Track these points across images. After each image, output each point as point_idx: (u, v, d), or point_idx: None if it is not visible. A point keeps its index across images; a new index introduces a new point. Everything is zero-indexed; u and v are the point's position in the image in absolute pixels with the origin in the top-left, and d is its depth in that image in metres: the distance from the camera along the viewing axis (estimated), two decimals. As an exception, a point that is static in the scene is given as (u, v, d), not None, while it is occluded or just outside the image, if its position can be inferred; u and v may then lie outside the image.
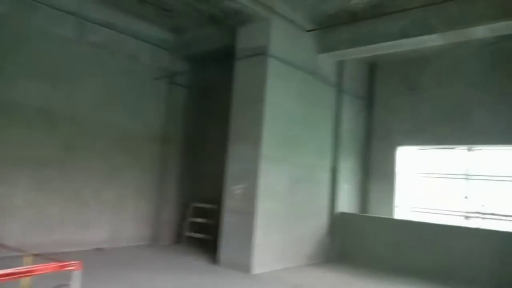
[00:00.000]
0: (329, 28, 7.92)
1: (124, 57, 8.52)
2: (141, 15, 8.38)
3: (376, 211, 9.29)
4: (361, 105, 9.56)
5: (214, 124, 9.15)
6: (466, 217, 8.28)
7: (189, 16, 8.22)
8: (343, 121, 8.89)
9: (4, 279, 2.72)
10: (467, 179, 8.48)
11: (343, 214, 8.72)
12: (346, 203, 9.00)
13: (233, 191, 7.17)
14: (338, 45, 8.07)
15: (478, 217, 8.18)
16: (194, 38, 9.05)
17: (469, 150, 8.47)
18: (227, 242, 7.09)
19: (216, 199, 7.93)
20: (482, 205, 8.15)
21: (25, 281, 3.90)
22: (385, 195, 9.31)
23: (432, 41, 7.18)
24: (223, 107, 7.85)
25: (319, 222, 8.40)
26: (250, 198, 6.89)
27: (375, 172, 9.55)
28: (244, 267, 6.71)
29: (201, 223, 8.99)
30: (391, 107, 9.42)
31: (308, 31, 7.81)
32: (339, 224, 8.66)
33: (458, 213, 8.47)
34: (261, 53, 7.10)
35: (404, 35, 7.12)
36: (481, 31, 6.64)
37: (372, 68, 9.87)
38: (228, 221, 7.14)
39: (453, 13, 6.58)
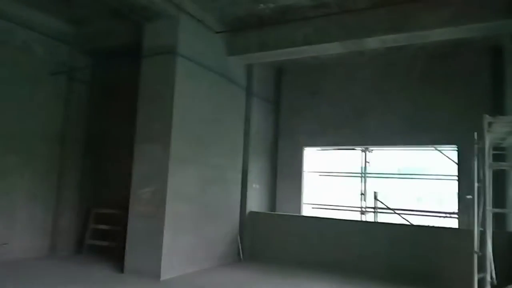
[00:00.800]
0: (239, 31, 8.05)
1: (14, 49, 7.64)
2: (34, 2, 7.59)
3: (285, 209, 9.67)
4: (270, 108, 9.88)
5: (119, 123, 8.66)
6: (363, 212, 9.06)
7: (90, 7, 7.67)
8: (253, 123, 9.09)
9: None
10: (363, 177, 9.28)
11: (253, 213, 8.91)
12: (257, 202, 9.22)
13: (140, 194, 6.86)
14: (247, 49, 8.23)
15: (373, 211, 9.01)
16: (97, 32, 8.48)
17: (364, 150, 9.28)
18: (134, 249, 6.76)
19: (122, 204, 7.51)
20: (376, 200, 8.97)
21: None
22: (293, 193, 9.75)
23: (332, 49, 7.71)
24: (129, 106, 7.49)
25: (231, 223, 8.47)
26: (158, 201, 6.66)
27: (284, 171, 9.94)
28: (152, 273, 6.46)
29: (105, 230, 8.44)
30: (297, 110, 9.90)
31: (218, 32, 7.83)
32: (250, 224, 8.82)
33: (356, 209, 9.23)
34: (170, 51, 6.92)
35: (308, 42, 7.53)
36: (373, 42, 7.31)
37: (279, 72, 10.28)
38: (135, 226, 6.81)
39: (350, 24, 7.15)
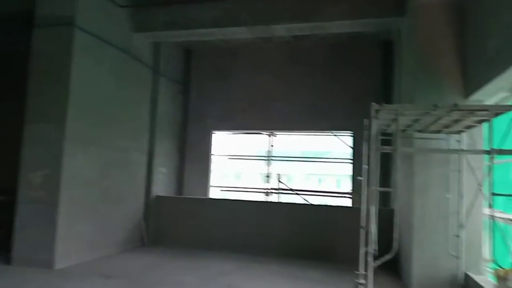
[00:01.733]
0: (145, 7, 7.67)
1: None
2: None
3: (192, 193, 9.62)
4: (178, 89, 9.66)
5: (6, 100, 7.72)
6: (267, 194, 9.42)
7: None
8: (160, 103, 8.80)
9: None
10: (268, 160, 9.62)
11: (159, 197, 8.70)
12: (163, 186, 9.02)
13: (31, 178, 6.24)
14: (153, 26, 7.89)
15: (276, 192, 9.43)
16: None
17: (270, 135, 9.61)
18: (23, 238, 6.16)
19: (9, 189, 6.77)
20: (280, 182, 9.40)
21: None
22: (201, 177, 9.73)
23: (241, 33, 7.78)
24: (18, 81, 6.71)
25: (135, 207, 8.18)
26: (52, 185, 6.13)
27: (192, 155, 9.84)
28: (45, 263, 5.98)
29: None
30: (206, 93, 9.82)
31: (122, 6, 7.37)
32: (155, 208, 8.61)
33: (261, 190, 9.56)
34: (67, 23, 6.33)
35: (216, 24, 7.48)
36: (280, 30, 7.54)
37: (189, 53, 10.06)
38: (25, 214, 6.20)
39: (259, 10, 7.26)
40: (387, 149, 4.43)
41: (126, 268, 6.38)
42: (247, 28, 7.49)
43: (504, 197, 5.30)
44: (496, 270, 3.39)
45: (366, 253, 4.36)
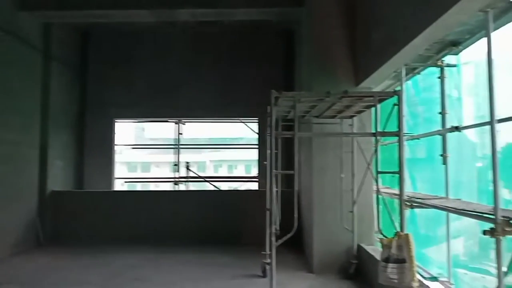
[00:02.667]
0: (30, -18, 6.90)
1: None
2: None
3: (95, 186, 9.06)
4: (74, 75, 8.93)
5: None
6: (176, 183, 9.29)
7: None
8: (53, 91, 8.04)
9: None
10: (176, 148, 9.46)
11: (56, 192, 8.03)
12: (60, 180, 8.33)
13: None
14: (43, 4, 7.14)
15: (186, 181, 9.35)
16: None
17: (178, 122, 9.44)
18: None
19: None
20: (188, 170, 9.33)
21: None
22: (104, 169, 9.20)
23: (143, 16, 7.43)
24: None
25: (27, 205, 7.45)
26: None
27: (93, 146, 9.23)
28: None
29: None
30: (107, 80, 9.24)
31: (2, -20, 6.53)
32: (52, 204, 7.93)
33: (170, 179, 9.39)
34: None
35: (115, 5, 7.05)
36: (184, 14, 7.37)
37: (87, 37, 9.33)
38: None
39: (162, -7, 7.01)
40: (287, 134, 4.65)
41: (19, 272, 5.81)
42: (150, 12, 7.18)
43: (389, 175, 5.98)
44: (381, 239, 3.81)
45: (271, 233, 4.55)
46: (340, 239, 5.57)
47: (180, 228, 7.80)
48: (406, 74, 5.78)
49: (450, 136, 4.86)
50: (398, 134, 3.76)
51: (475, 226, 5.23)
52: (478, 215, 3.31)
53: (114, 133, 9.30)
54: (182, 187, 9.31)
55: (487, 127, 3.27)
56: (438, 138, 5.01)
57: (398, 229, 3.74)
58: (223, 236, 7.61)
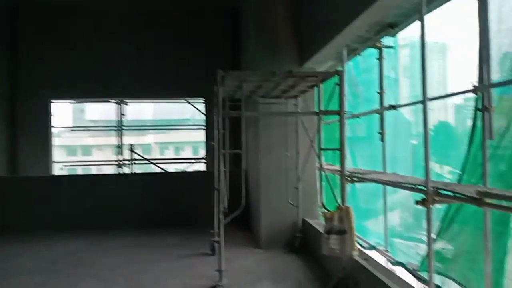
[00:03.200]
0: None
1: None
2: None
3: (31, 171, 8.52)
4: (3, 54, 8.21)
5: None
6: (119, 165, 9.00)
7: None
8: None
9: None
10: (119, 130, 9.13)
11: (-14, 179, 7.46)
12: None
13: None
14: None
15: (129, 163, 9.08)
16: None
17: (119, 103, 9.08)
18: None
19: None
20: (132, 152, 9.06)
21: None
22: (40, 153, 8.67)
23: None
24: None
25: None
26: None
27: (26, 129, 8.63)
28: None
29: None
30: (40, 58, 8.61)
31: None
32: (-18, 192, 7.37)
33: (113, 162, 9.08)
34: None
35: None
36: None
37: (15, 13, 8.56)
38: None
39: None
40: (233, 113, 4.68)
41: None
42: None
43: (332, 152, 6.23)
44: (324, 213, 4.00)
45: (219, 212, 4.61)
46: (286, 214, 5.77)
47: (127, 212, 7.60)
48: (347, 55, 6.00)
49: (387, 115, 5.15)
50: (339, 112, 3.92)
51: (409, 199, 5.64)
52: (411, 187, 3.58)
53: (50, 115, 8.75)
54: (126, 170, 9.05)
55: (421, 106, 3.51)
56: (377, 117, 5.29)
57: (340, 203, 3.94)
58: (172, 218, 7.54)
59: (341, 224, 3.77)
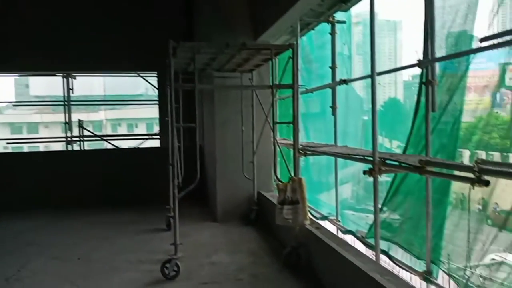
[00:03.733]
0: None
1: None
2: None
3: (-33, 149, 7.95)
4: None
5: None
6: (68, 142, 8.61)
7: None
8: None
9: None
10: (66, 105, 8.68)
11: None
12: None
13: None
14: None
15: (79, 140, 8.71)
16: None
17: (66, 77, 8.60)
18: None
19: None
20: (82, 128, 8.69)
21: None
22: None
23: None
24: None
25: None
26: None
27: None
28: None
29: None
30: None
31: None
32: None
33: (61, 139, 8.66)
34: None
35: None
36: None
37: None
38: None
39: None
40: (187, 86, 4.60)
41: None
42: None
43: (286, 127, 6.33)
44: (277, 184, 4.09)
45: (174, 186, 4.57)
46: (241, 188, 5.84)
47: (80, 190, 7.29)
48: (301, 29, 6.03)
49: (340, 90, 5.28)
50: (292, 86, 3.96)
51: (360, 172, 5.88)
52: (360, 158, 3.74)
53: (-11, 89, 8.13)
54: (76, 147, 8.67)
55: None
56: (330, 92, 5.41)
57: (292, 175, 4.04)
58: (127, 196, 7.36)
59: (293, 195, 3.87)
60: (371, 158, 3.44)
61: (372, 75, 3.52)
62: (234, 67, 5.15)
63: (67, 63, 8.31)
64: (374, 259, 3.52)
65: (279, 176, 4.63)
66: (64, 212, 6.69)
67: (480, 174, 2.33)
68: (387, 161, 3.36)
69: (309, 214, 3.89)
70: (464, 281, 3.33)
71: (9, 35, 7.97)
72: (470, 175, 2.39)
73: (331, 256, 3.38)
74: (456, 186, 3.52)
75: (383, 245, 4.52)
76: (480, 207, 3.50)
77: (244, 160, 5.71)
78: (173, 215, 5.62)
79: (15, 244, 5.03)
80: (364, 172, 3.45)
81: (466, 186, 3.01)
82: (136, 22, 8.48)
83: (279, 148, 4.96)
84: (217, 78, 5.58)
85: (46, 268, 4.19)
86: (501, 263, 3.08)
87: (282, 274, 3.86)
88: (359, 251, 3.42)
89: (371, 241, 4.49)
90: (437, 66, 3.42)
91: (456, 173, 2.72)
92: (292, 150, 4.41)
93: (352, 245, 3.74)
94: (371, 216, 5.61)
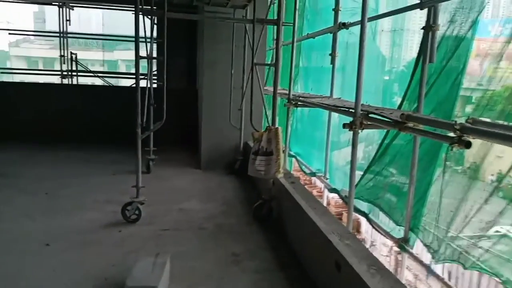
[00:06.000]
0: None
1: None
2: None
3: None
4: None
5: None
6: (63, 76, 8.32)
7: None
8: None
9: None
10: (62, 37, 8.30)
11: None
12: None
13: None
14: None
15: (73, 75, 8.41)
16: None
17: (62, 6, 8.14)
18: None
19: None
20: (77, 63, 8.36)
21: None
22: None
23: None
24: None
25: None
26: None
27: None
28: None
29: None
30: None
31: None
32: None
33: (56, 73, 8.38)
34: None
35: None
36: None
37: None
38: None
39: None
40: (154, 13, 4.15)
41: None
42: None
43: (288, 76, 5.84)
44: (253, 133, 3.76)
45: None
46: (229, 137, 5.53)
47: (67, 125, 7.13)
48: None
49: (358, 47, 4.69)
50: (277, 22, 3.49)
51: (374, 133, 5.38)
52: (343, 110, 3.34)
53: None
54: (69, 80, 8.37)
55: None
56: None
57: (270, 124, 3.69)
58: (116, 134, 7.12)
59: (269, 145, 3.54)
60: (352, 111, 3.05)
61: (362, 21, 3.02)
62: (225, 1, 4.64)
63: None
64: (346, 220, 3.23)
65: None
66: (49, 146, 6.53)
67: (462, 134, 1.93)
68: (370, 115, 2.96)
69: (282, 166, 3.55)
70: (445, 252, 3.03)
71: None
72: (452, 134, 2.00)
73: (296, 212, 3.10)
74: (471, 155, 3.10)
75: (365, 207, 4.23)
76: (494, 178, 3.11)
77: (232, 107, 5.35)
78: (153, 158, 5.45)
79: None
80: (344, 126, 3.07)
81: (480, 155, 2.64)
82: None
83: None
84: (207, 13, 5.07)
85: (10, 201, 4.05)
86: (504, 236, 2.75)
87: (249, 227, 3.62)
88: (327, 210, 3.12)
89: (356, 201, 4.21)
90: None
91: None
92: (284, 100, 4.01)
93: (320, 202, 3.43)
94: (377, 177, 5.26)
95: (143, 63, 5.26)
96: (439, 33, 3.03)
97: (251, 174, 3.66)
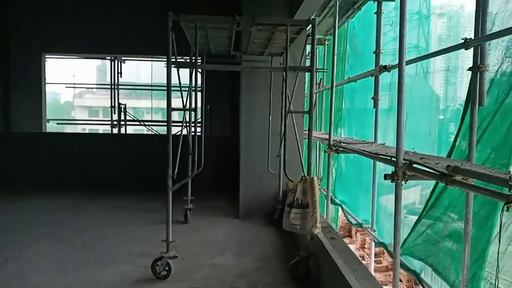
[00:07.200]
0: None
1: None
2: None
3: (23, 126, 8.34)
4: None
5: None
6: (113, 125, 8.70)
7: None
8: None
9: None
10: (114, 89, 8.77)
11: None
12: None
13: None
14: None
15: (123, 124, 8.77)
16: None
17: (114, 60, 8.68)
18: None
19: None
20: (126, 113, 8.73)
21: None
22: (33, 108, 8.44)
23: None
24: None
25: None
26: None
27: (20, 83, 8.37)
28: None
29: None
30: (31, 10, 8.21)
31: None
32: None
33: (107, 122, 8.79)
34: None
35: None
36: None
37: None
38: None
39: None
40: (185, 65, 4.17)
41: None
42: None
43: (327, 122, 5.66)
44: (287, 183, 3.54)
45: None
46: (267, 184, 5.34)
47: (113, 173, 7.33)
48: (347, 10, 5.33)
49: (411, 86, 4.43)
50: (310, 69, 3.36)
51: None
52: (382, 158, 3.05)
53: (44, 69, 8.45)
54: (119, 129, 8.73)
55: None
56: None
57: (306, 173, 3.46)
58: (158, 183, 7.19)
59: (304, 197, 3.30)
60: (394, 159, 2.76)
61: (399, 64, 2.80)
62: (261, 49, 4.63)
63: (114, 46, 8.27)
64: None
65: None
66: (96, 194, 6.69)
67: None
68: (414, 165, 2.66)
69: (319, 220, 3.27)
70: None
71: (62, 17, 8.15)
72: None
73: (335, 274, 2.79)
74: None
75: (416, 265, 3.78)
76: None
77: (270, 154, 5.20)
78: (190, 207, 5.35)
79: (34, 224, 5.04)
80: (385, 177, 2.78)
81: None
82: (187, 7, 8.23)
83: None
84: (245, 62, 5.09)
85: (47, 252, 4.08)
86: None
87: (285, 287, 3.33)
88: (368, 272, 2.77)
89: (404, 258, 3.78)
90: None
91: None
92: (324, 145, 3.80)
93: (364, 265, 3.08)
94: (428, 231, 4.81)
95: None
96: (491, 71, 2.75)
97: (286, 228, 3.41)
